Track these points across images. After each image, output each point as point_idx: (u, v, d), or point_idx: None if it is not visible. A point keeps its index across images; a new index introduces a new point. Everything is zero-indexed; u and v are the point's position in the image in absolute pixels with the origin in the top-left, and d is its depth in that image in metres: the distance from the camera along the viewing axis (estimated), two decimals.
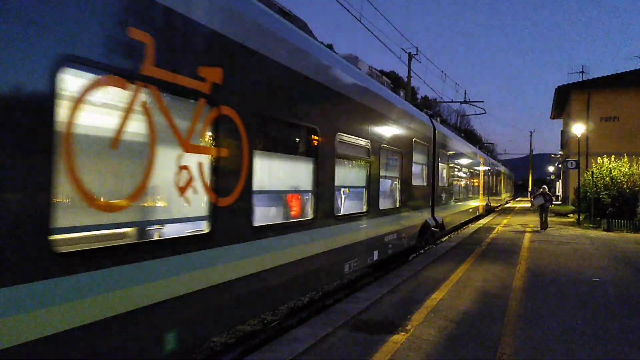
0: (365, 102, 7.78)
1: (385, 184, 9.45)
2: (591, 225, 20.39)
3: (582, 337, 5.49)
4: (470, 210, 21.29)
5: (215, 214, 4.11)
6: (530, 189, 53.18)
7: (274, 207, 6.10)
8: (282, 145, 5.92)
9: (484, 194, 26.49)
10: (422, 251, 12.48)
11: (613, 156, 21.59)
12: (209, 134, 4.09)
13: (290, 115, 5.52)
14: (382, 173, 8.64)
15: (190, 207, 3.96)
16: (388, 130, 8.98)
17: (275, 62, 5.07)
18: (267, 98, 4.97)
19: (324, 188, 6.21)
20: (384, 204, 9.01)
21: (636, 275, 9.42)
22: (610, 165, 20.78)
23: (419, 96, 62.89)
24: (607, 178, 20.33)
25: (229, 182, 4.32)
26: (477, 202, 23.77)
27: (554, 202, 21.16)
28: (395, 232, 9.40)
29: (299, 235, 5.61)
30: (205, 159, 4.05)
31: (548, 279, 8.74)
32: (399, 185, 9.90)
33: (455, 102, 36.06)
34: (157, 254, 3.54)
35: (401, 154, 9.85)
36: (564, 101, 35.11)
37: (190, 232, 4.20)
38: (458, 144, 17.86)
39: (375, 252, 8.30)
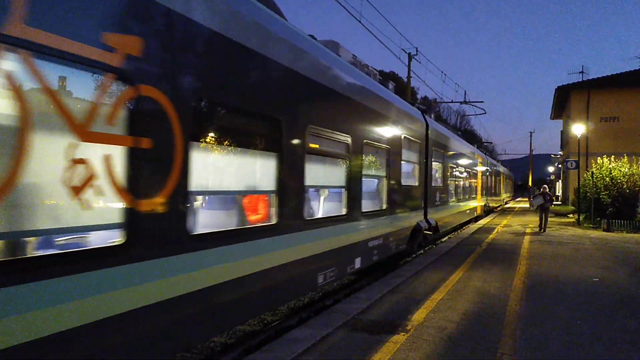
0: (345, 92, 7.01)
1: (369, 184, 8.85)
2: (591, 225, 20.39)
3: (583, 338, 5.49)
4: (468, 211, 20.53)
5: (131, 220, 3.29)
6: (533, 188, 53.06)
7: (224, 211, 5.39)
8: (234, 138, 4.87)
9: (482, 195, 25.92)
10: (414, 255, 12.02)
11: (613, 156, 21.59)
12: (124, 119, 3.26)
13: (246, 103, 4.69)
14: (365, 172, 7.91)
15: (91, 213, 3.11)
16: (373, 125, 8.23)
17: (225, 38, 4.26)
18: (211, 80, 4.13)
19: (290, 188, 5.40)
20: (367, 205, 8.30)
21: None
22: (610, 166, 20.78)
23: (419, 96, 62.90)
24: (607, 178, 20.33)
25: (154, 181, 3.49)
26: (475, 203, 23.10)
27: (554, 203, 20.68)
28: (381, 237, 8.59)
29: (257, 244, 4.77)
30: (118, 151, 3.23)
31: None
32: (386, 186, 9.07)
33: (455, 102, 36.13)
34: (35, 274, 2.66)
35: (388, 151, 8.99)
36: (564, 101, 35.12)
37: (98, 244, 3.28)
38: (454, 142, 16.97)
39: (357, 260, 7.50)
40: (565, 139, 37.65)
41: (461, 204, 18.64)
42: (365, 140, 7.73)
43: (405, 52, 26.65)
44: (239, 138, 4.97)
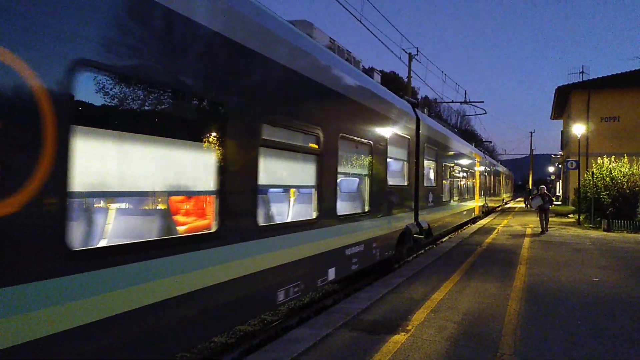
0: (315, 77, 6.05)
1: (347, 184, 8.17)
2: (591, 225, 20.40)
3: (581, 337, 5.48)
4: (465, 212, 19.66)
5: None
6: (530, 189, 53.00)
7: (140, 217, 4.34)
8: (149, 124, 3.86)
9: (480, 195, 25.18)
10: (405, 261, 11.00)
11: (613, 156, 21.59)
12: None
13: (168, 79, 3.68)
14: (342, 170, 7.07)
15: None
16: (352, 117, 7.37)
17: None
18: (99, 43, 3.03)
19: (237, 188, 4.53)
20: (345, 208, 7.62)
21: None
22: (611, 166, 20.79)
23: (419, 96, 62.87)
24: (607, 178, 20.33)
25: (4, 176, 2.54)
26: (473, 204, 22.32)
27: (554, 203, 19.95)
28: (362, 243, 7.69)
29: (185, 259, 3.83)
30: None
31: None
32: (368, 185, 8.12)
33: (455, 102, 36.13)
34: None
35: (371, 147, 8.05)
36: (564, 101, 35.11)
37: None
38: (449, 139, 16.00)
39: (331, 270, 6.58)
40: (565, 139, 37.65)
41: (457, 204, 17.73)
42: (341, 134, 6.84)
43: (406, 52, 26.67)
44: (164, 125, 4.02)
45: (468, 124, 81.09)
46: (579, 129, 23.61)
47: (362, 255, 7.74)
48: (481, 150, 30.03)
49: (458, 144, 17.99)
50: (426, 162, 12.32)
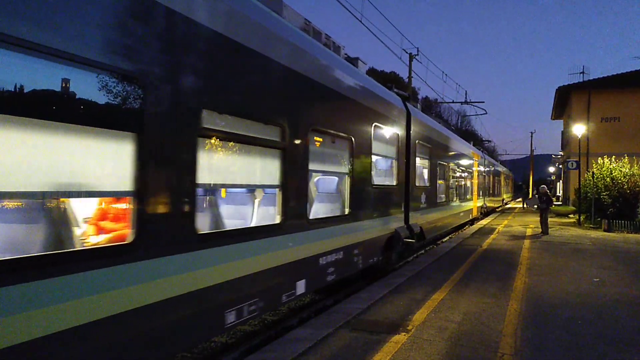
0: (279, 59, 5.20)
1: (323, 184, 7.61)
2: (592, 225, 20.40)
3: None
4: (462, 213, 18.87)
5: None
6: (527, 189, 52.97)
7: (20, 224, 3.38)
8: (29, 104, 2.94)
9: (479, 195, 24.46)
10: (393, 268, 10.11)
11: (613, 156, 21.59)
12: None
13: (70, 47, 2.91)
14: (314, 167, 6.26)
15: None
16: (327, 108, 6.55)
17: None
18: None
19: (163, 188, 3.65)
20: (319, 210, 7.03)
21: None
22: (611, 166, 20.79)
23: (420, 96, 62.91)
24: (608, 178, 20.33)
25: None
26: (471, 204, 21.54)
27: (553, 203, 18.88)
28: (340, 250, 6.87)
29: (93, 277, 3.05)
30: None
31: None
32: (348, 185, 7.31)
33: (456, 102, 36.11)
34: None
35: (352, 143, 7.25)
36: (564, 102, 35.10)
37: None
38: (444, 136, 15.15)
39: (300, 283, 5.73)
40: (566, 139, 37.65)
41: (453, 205, 16.90)
42: (313, 127, 6.03)
43: (406, 52, 26.67)
44: (58, 105, 3.11)
45: (469, 125, 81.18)
46: (579, 129, 23.61)
47: (341, 263, 6.89)
48: (480, 150, 29.55)
49: (454, 142, 17.26)
50: (419, 161, 11.60)
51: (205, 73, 4.13)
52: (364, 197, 7.96)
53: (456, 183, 17.66)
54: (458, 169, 17.99)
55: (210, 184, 4.75)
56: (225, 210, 5.91)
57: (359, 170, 7.62)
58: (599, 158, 21.86)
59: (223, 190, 6.22)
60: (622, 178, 20.08)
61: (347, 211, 7.33)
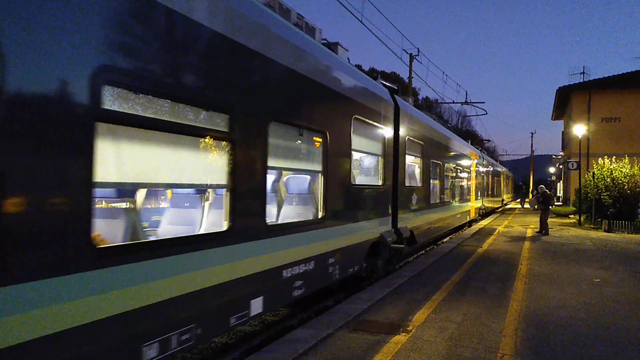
0: (217, 27, 4.23)
1: (286, 183, 6.96)
2: (592, 226, 20.40)
3: None
4: (458, 215, 18.10)
5: None
6: (525, 190, 52.88)
7: None
8: None
9: (477, 196, 23.74)
10: (375, 279, 8.87)
11: (614, 157, 21.59)
12: None
13: None
14: (273, 164, 5.40)
15: None
16: (292, 96, 5.59)
17: None
18: None
19: (45, 188, 2.79)
20: (283, 214, 6.47)
21: None
22: (611, 166, 20.79)
23: (420, 97, 62.95)
24: (608, 179, 20.33)
25: None
26: (468, 206, 20.73)
27: (553, 203, 18.46)
28: (311, 260, 6.01)
29: None
30: None
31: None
32: (322, 185, 6.43)
33: (456, 102, 36.15)
34: None
35: (326, 137, 6.39)
36: (565, 102, 35.10)
37: None
38: (438, 133, 14.17)
39: (257, 301, 4.87)
40: (566, 139, 37.65)
41: (449, 207, 16.05)
42: (273, 118, 5.16)
43: (407, 53, 26.69)
44: None
45: (469, 125, 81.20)
46: (579, 129, 23.60)
47: (312, 275, 6.04)
48: (479, 149, 28.99)
49: (450, 140, 16.41)
50: (409, 159, 10.79)
51: (101, 30, 3.07)
52: (342, 198, 7.08)
53: (452, 183, 16.79)
54: (454, 169, 17.13)
55: (113, 183, 3.76)
56: (145, 216, 4.94)
57: (335, 168, 6.77)
58: (600, 158, 21.86)
59: (142, 191, 5.19)
60: (622, 178, 20.08)
61: (320, 215, 6.46)
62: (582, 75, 33.86)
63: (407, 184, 10.47)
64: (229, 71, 4.43)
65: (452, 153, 16.45)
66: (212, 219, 5.37)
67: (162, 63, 3.67)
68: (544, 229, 17.27)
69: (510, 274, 9.17)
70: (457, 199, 17.80)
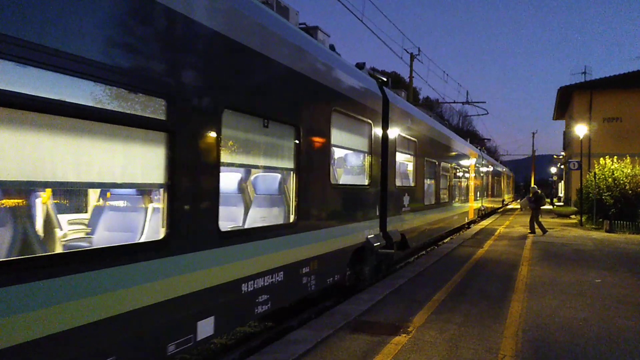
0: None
1: (248, 182, 6.30)
2: (593, 226, 20.37)
3: None
4: (456, 217, 17.36)
5: None
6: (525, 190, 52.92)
7: None
8: None
9: (476, 197, 23.07)
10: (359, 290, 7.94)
11: (615, 157, 21.55)
12: None
13: None
14: (227, 159, 4.77)
15: None
16: (252, 80, 4.81)
17: None
18: None
19: None
20: (242, 218, 5.88)
21: None
22: (613, 167, 20.74)
23: (421, 97, 62.91)
24: (610, 179, 20.29)
25: None
26: (467, 206, 20.03)
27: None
28: (280, 270, 5.31)
29: None
30: None
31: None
32: (294, 185, 5.73)
33: (457, 102, 36.18)
34: None
35: (298, 131, 5.69)
36: (566, 102, 35.06)
37: None
38: (434, 130, 13.36)
39: (206, 322, 4.17)
40: (567, 139, 37.61)
41: (445, 208, 15.26)
42: (228, 105, 4.46)
43: (407, 52, 26.67)
44: None
45: (470, 125, 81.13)
46: (581, 129, 23.56)
47: (280, 288, 5.32)
48: (479, 148, 28.32)
49: (447, 138, 15.64)
50: (400, 157, 10.11)
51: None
52: (319, 199, 6.35)
53: (449, 183, 15.97)
54: (451, 168, 16.33)
55: (6, 182, 2.95)
56: (46, 223, 4.22)
57: (311, 166, 6.05)
58: (601, 158, 21.82)
59: (48, 191, 4.51)
60: (624, 178, 20.04)
61: (291, 218, 5.72)
62: (583, 75, 33.89)
63: (398, 184, 9.82)
64: (160, 44, 3.63)
65: (449, 151, 15.81)
66: (143, 225, 4.47)
67: (60, 26, 2.85)
68: (540, 228, 17.29)
69: (511, 276, 9.14)
70: (454, 199, 17.12)
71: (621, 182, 20.02)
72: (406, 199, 10.32)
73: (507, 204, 48.11)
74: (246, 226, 5.74)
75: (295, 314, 7.52)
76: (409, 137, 10.44)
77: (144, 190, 4.70)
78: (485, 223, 22.34)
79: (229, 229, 4.78)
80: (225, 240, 4.43)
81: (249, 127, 5.09)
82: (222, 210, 4.42)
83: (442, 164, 14.54)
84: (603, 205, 20.08)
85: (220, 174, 4.38)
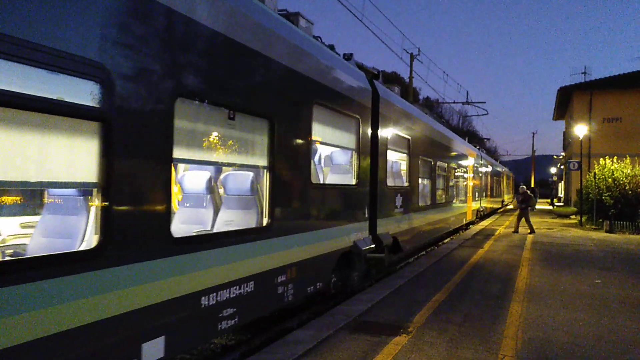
0: None
1: (210, 181, 5.67)
2: (593, 226, 20.38)
3: None
4: (453, 218, 16.73)
5: None
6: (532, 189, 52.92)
7: None
8: None
9: (475, 197, 22.62)
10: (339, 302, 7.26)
11: (615, 157, 21.57)
12: None
13: None
14: (181, 155, 4.11)
15: None
16: (214, 64, 4.25)
17: None
18: None
19: None
20: (206, 222, 5.39)
21: None
22: (613, 167, 20.76)
23: (421, 97, 62.94)
24: (610, 179, 20.31)
25: None
26: (465, 207, 19.49)
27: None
28: (250, 280, 4.75)
29: None
30: None
31: None
32: (268, 184, 5.16)
33: (457, 102, 36.21)
34: None
35: (272, 124, 5.13)
36: (566, 102, 35.08)
37: None
38: (429, 128, 12.69)
39: (154, 344, 3.62)
40: (567, 140, 37.62)
41: (442, 209, 14.69)
42: (182, 92, 3.88)
43: (407, 52, 26.69)
44: None
45: (470, 125, 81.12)
46: (581, 129, 23.58)
47: (249, 299, 4.77)
48: (477, 148, 27.69)
49: (444, 137, 15.07)
50: (392, 155, 9.63)
51: None
52: (297, 200, 5.83)
53: (446, 183, 15.44)
54: (448, 168, 15.72)
55: None
56: None
57: (288, 164, 5.53)
58: (601, 159, 21.84)
59: None
60: (623, 179, 20.06)
61: (264, 222, 5.21)
62: (583, 75, 33.93)
63: (390, 183, 9.27)
64: (89, 14, 3.04)
65: (446, 150, 15.27)
66: (70, 232, 3.76)
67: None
68: (517, 227, 17.69)
69: (511, 276, 9.14)
70: (451, 200, 16.54)
71: (621, 182, 20.04)
72: (399, 200, 9.82)
73: (507, 204, 48.07)
74: (206, 231, 5.07)
75: (296, 314, 7.53)
76: (402, 134, 9.98)
77: (74, 191, 3.88)
78: (485, 223, 22.34)
79: (184, 235, 4.26)
80: (181, 247, 3.87)
81: (210, 118, 4.55)
82: (184, 214, 4.01)
83: (439, 163, 14.01)
84: (603, 205, 20.09)
85: (171, 171, 3.80)
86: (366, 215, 7.98)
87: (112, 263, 3.26)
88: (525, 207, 17.63)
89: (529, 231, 17.54)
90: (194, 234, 4.86)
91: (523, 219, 17.69)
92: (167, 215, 3.73)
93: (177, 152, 3.89)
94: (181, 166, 6.09)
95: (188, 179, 5.77)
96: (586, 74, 33.86)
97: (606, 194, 20.09)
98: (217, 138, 4.67)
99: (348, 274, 7.48)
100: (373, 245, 8.01)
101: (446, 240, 16.56)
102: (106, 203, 3.24)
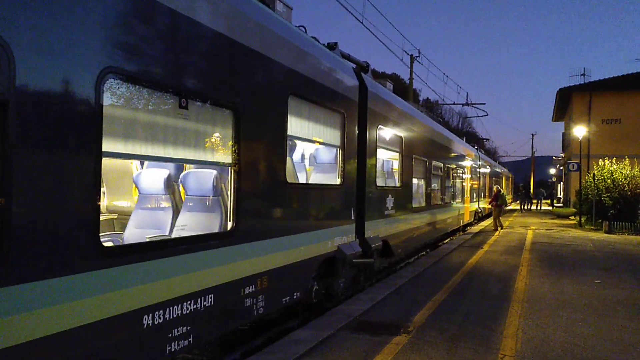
0: None
1: (154, 180, 5.07)
2: (592, 227, 20.41)
3: None
4: (449, 219, 16.12)
5: None
6: (531, 191, 52.97)
7: None
8: None
9: (473, 198, 22.07)
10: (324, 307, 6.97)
11: (614, 158, 21.60)
12: None
13: None
14: (113, 148, 3.41)
15: None
16: (153, 42, 3.56)
17: None
18: None
19: None
20: (150, 228, 4.80)
21: None
22: (612, 168, 20.80)
23: (420, 98, 63.02)
24: (609, 180, 20.35)
25: None
26: (462, 208, 18.88)
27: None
28: (207, 294, 4.13)
29: None
30: None
31: None
32: (232, 184, 4.57)
33: (457, 104, 36.24)
34: None
35: (237, 115, 4.52)
36: (565, 103, 35.14)
37: None
38: (423, 125, 12.04)
39: None
40: (566, 141, 37.67)
41: (438, 210, 14.06)
42: (111, 71, 3.19)
43: (407, 54, 26.73)
44: None
45: (470, 126, 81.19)
46: (580, 131, 23.62)
47: (207, 315, 4.16)
48: (476, 148, 27.06)
49: (440, 135, 14.42)
50: (383, 154, 9.12)
51: None
52: (269, 202, 5.21)
53: (442, 184, 14.81)
54: (445, 168, 15.03)
55: None
56: None
57: (257, 161, 4.95)
58: (600, 160, 21.88)
59: None
60: (623, 180, 20.11)
61: (228, 226, 4.64)
62: (582, 76, 33.93)
63: (380, 184, 8.70)
64: None
65: (442, 150, 14.58)
66: None
67: None
68: (498, 224, 18.95)
69: (511, 276, 9.16)
70: (448, 201, 15.91)
71: (620, 183, 20.08)
72: (390, 201, 9.15)
73: (506, 205, 48.03)
74: (148, 239, 4.21)
75: (296, 314, 7.54)
76: (393, 132, 9.35)
77: None
78: (484, 224, 22.35)
79: (114, 245, 3.72)
80: (114, 258, 3.25)
81: (155, 105, 3.85)
82: (139, 217, 3.53)
83: (434, 163, 13.34)
84: (602, 206, 20.13)
85: (101, 168, 3.13)
86: (353, 218, 7.37)
87: (18, 279, 2.62)
88: (496, 204, 19.39)
89: (493, 228, 18.99)
90: (135, 242, 4.29)
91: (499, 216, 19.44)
92: (95, 221, 3.10)
93: (107, 145, 3.21)
94: (137, 163, 5.75)
95: (144, 178, 5.11)
96: (585, 75, 33.88)
97: (605, 195, 20.13)
98: (163, 129, 3.96)
99: (332, 281, 6.89)
100: (360, 250, 7.43)
101: (446, 241, 16.56)
102: (9, 208, 2.58)
